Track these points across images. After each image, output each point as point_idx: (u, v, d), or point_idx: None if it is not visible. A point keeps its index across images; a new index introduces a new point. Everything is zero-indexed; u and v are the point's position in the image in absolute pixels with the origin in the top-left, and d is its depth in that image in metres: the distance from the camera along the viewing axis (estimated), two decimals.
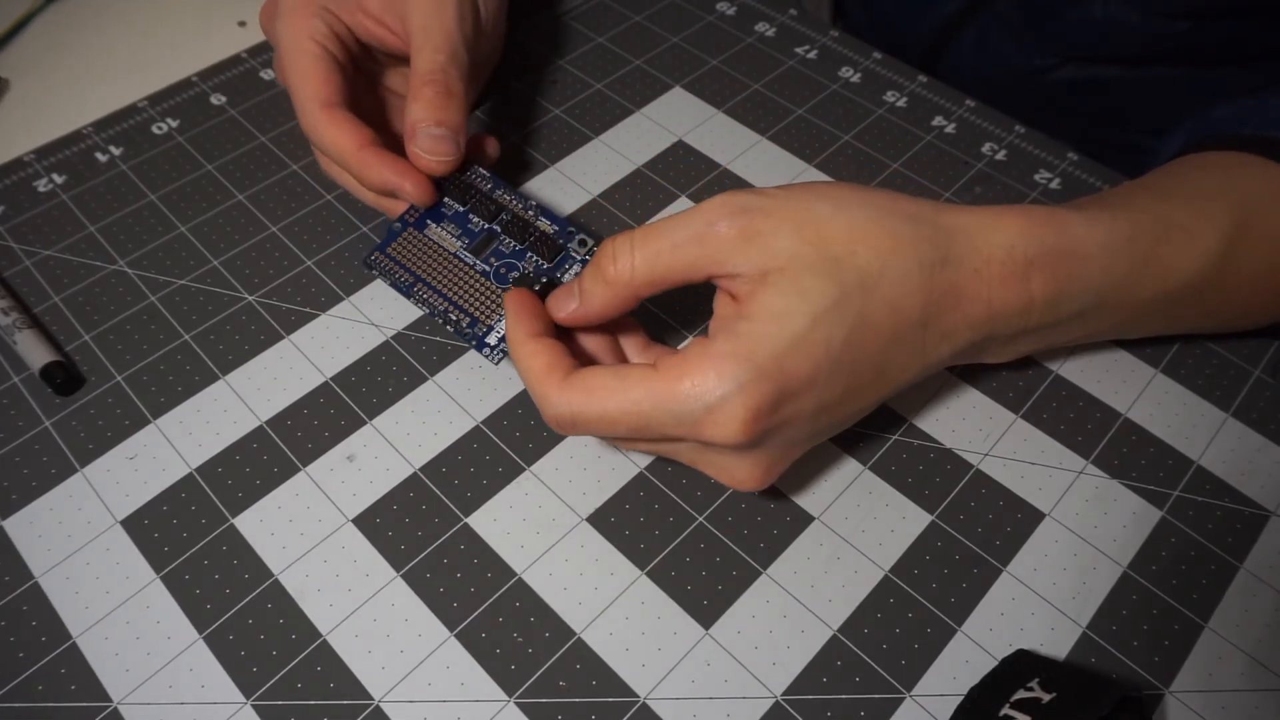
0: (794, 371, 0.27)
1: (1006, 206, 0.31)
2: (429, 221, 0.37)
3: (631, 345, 0.34)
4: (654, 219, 0.37)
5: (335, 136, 0.35)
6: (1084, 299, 0.31)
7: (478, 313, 0.34)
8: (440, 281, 0.35)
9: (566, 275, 0.35)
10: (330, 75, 0.36)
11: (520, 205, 0.36)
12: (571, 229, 0.35)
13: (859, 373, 0.29)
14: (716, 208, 0.29)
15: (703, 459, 0.30)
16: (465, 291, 0.35)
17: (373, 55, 0.40)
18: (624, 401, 0.28)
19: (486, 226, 0.36)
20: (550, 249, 0.35)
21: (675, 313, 0.38)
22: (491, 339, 0.34)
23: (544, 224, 0.36)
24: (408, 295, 0.36)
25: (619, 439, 0.31)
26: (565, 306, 0.31)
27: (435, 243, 0.36)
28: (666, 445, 0.30)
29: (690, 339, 0.37)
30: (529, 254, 0.35)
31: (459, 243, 0.36)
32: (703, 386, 0.27)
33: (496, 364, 0.36)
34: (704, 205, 0.29)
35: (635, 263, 0.29)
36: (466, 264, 0.35)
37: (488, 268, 0.35)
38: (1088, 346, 0.37)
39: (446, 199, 0.37)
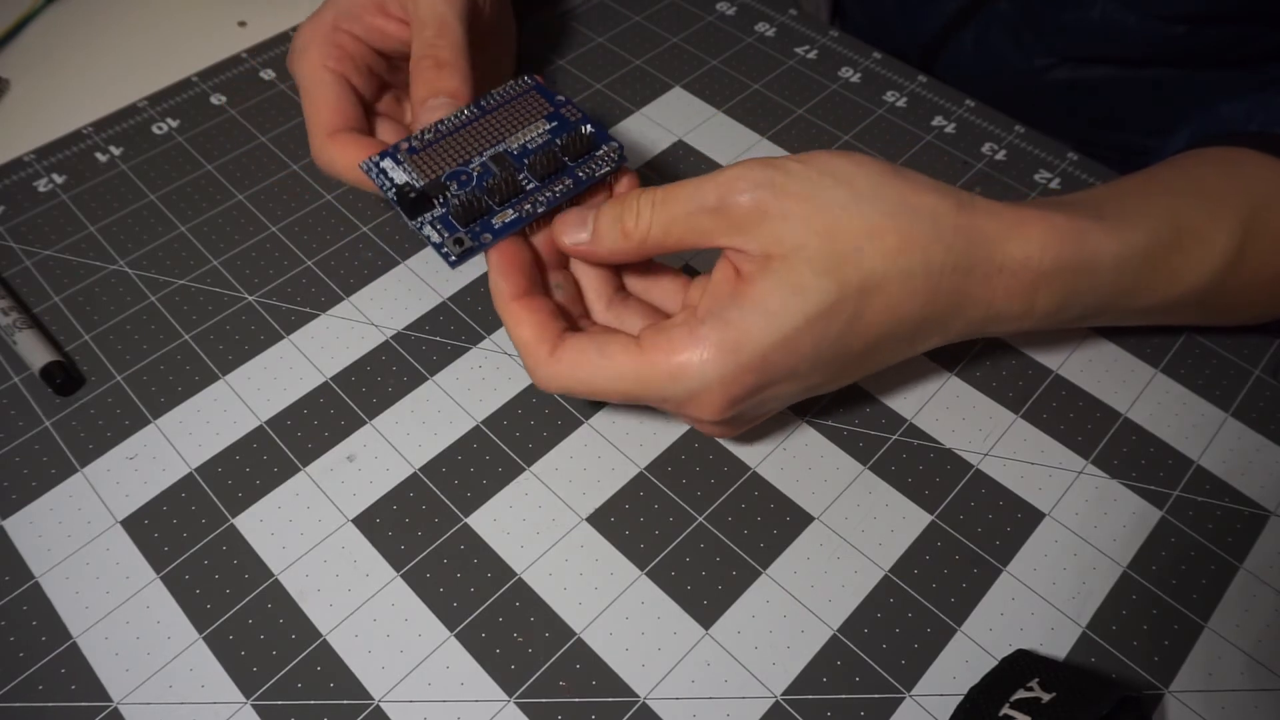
0: (778, 364, 0.28)
1: (1029, 210, 0.30)
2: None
3: (669, 288, 0.33)
4: None
5: (333, 159, 0.35)
6: (1086, 306, 0.32)
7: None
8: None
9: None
10: (339, 101, 0.36)
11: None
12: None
13: (844, 365, 0.30)
14: (734, 180, 0.29)
15: (681, 415, 0.31)
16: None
17: (396, 65, 0.39)
18: (609, 377, 0.29)
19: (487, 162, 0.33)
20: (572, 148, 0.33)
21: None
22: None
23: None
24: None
25: None
26: (574, 235, 0.31)
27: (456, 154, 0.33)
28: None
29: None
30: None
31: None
32: (685, 372, 0.28)
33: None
34: (725, 174, 0.29)
35: (651, 224, 0.30)
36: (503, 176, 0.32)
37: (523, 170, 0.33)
38: (1088, 346, 0.37)
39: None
